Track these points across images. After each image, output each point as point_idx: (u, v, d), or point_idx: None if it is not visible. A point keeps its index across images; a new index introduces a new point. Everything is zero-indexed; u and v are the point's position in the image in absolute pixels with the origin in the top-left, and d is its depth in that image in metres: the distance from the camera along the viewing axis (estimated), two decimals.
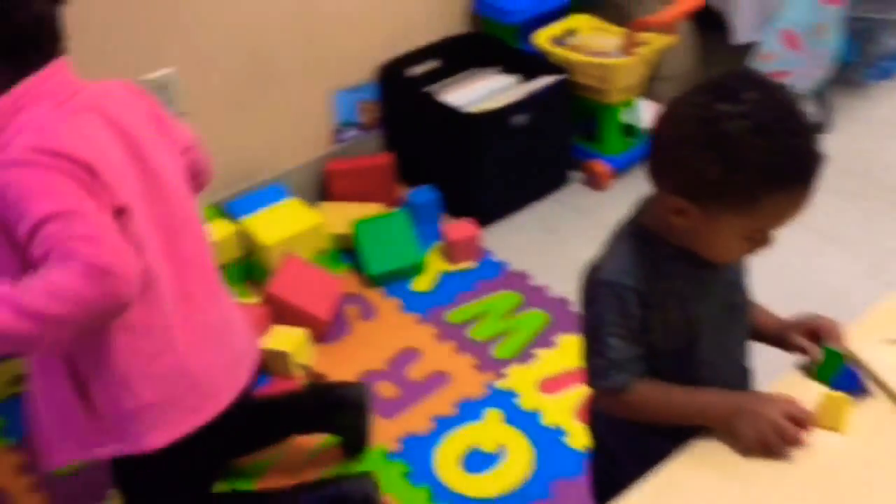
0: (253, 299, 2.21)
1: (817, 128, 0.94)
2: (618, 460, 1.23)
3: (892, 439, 1.03)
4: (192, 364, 1.40)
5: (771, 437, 1.01)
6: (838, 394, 1.05)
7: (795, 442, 1.01)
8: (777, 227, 1.01)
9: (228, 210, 2.40)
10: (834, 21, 2.39)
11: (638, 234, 1.08)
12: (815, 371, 1.10)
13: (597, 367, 1.09)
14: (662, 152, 1.03)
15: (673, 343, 1.09)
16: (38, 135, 1.22)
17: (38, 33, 1.27)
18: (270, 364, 2.08)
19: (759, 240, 1.02)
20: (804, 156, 0.97)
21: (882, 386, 1.07)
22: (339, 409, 1.80)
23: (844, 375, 1.08)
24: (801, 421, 1.02)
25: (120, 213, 1.27)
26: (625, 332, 1.06)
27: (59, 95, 1.28)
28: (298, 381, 2.06)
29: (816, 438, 1.02)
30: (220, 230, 2.31)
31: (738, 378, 1.19)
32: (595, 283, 1.09)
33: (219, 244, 2.26)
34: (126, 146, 1.34)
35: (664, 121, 1.02)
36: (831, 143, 2.39)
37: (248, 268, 2.38)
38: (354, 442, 1.84)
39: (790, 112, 0.98)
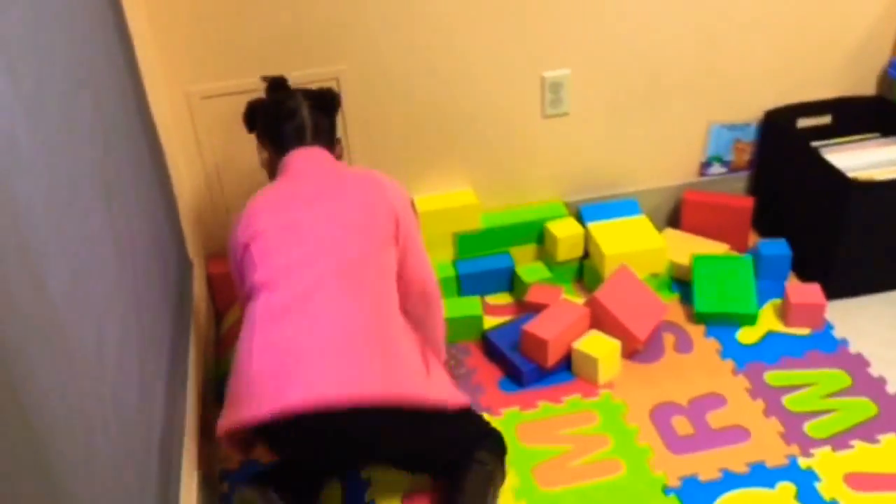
0: (579, 300, 2.31)
1: None
2: None
3: None
4: (250, 365, 1.56)
5: None
6: None
7: None
8: None
9: (581, 212, 2.51)
10: None
11: None
12: None
13: None
14: None
15: None
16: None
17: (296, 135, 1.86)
18: (578, 365, 2.16)
19: None
20: None
21: None
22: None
23: None
24: None
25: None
26: None
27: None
28: (598, 390, 2.12)
29: None
30: (567, 229, 2.45)
31: None
32: None
33: (563, 241, 2.40)
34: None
35: None
36: None
37: (585, 270, 2.48)
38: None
39: None
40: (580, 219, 2.50)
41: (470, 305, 2.32)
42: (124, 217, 1.33)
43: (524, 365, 2.15)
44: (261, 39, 2.15)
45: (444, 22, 2.23)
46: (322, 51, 2.20)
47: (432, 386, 1.66)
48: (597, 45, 2.35)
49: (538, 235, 2.51)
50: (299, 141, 1.84)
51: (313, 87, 2.01)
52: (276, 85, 1.98)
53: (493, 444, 1.83)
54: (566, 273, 2.49)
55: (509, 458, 1.91)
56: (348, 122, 2.30)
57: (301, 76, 2.20)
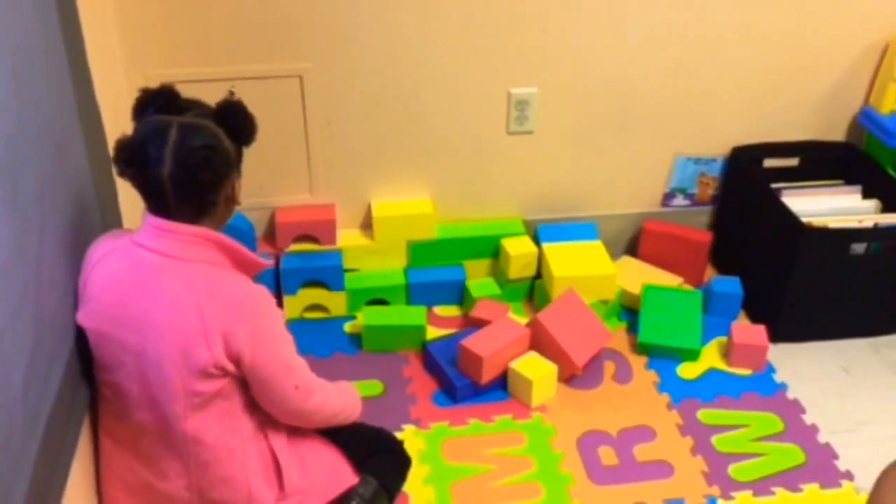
0: (525, 319, 2.30)
1: None
2: None
3: None
4: None
5: None
6: None
7: None
8: None
9: (538, 231, 2.50)
10: None
11: None
12: None
13: None
14: None
15: None
16: None
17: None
18: (514, 385, 2.16)
19: None
20: None
21: None
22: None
23: None
24: None
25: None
26: None
27: None
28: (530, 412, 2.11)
29: None
30: (522, 247, 2.44)
31: None
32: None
33: (516, 259, 2.40)
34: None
35: None
36: None
37: (536, 290, 2.48)
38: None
39: None
40: (536, 238, 2.49)
41: (415, 315, 2.31)
42: (34, 194, 1.32)
43: (458, 380, 2.14)
44: (227, 29, 2.15)
45: (414, 30, 2.22)
46: (288, 47, 2.19)
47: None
48: (566, 67, 2.34)
49: (493, 251, 2.50)
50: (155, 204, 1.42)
51: (269, 82, 1.98)
52: (170, 98, 1.45)
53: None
54: (517, 291, 2.48)
55: (432, 474, 1.91)
56: (309, 123, 2.29)
57: (264, 70, 2.20)
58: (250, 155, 2.23)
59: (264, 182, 2.34)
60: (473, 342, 2.12)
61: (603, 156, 2.51)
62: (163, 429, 1.45)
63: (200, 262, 1.41)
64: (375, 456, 1.69)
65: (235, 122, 1.45)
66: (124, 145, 1.38)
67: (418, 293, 2.43)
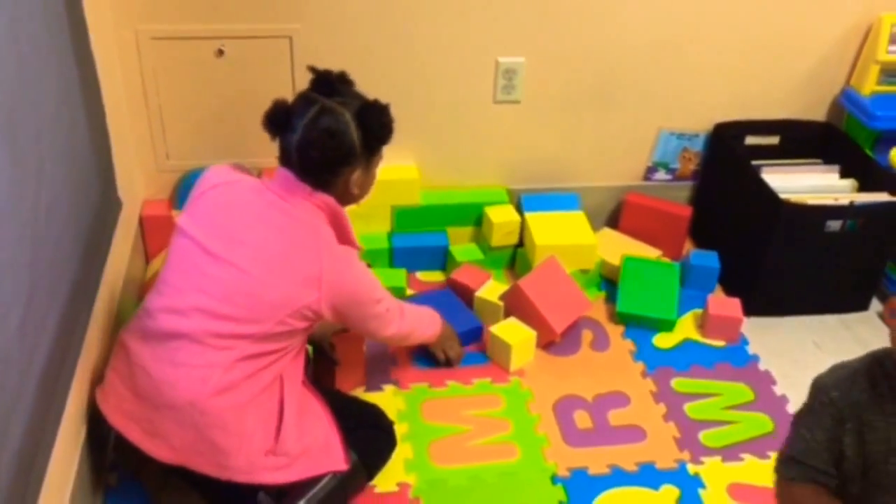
0: (504, 286, 2.33)
1: None
2: None
3: None
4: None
5: None
6: None
7: None
8: None
9: (521, 200, 2.53)
10: None
11: (883, 361, 1.03)
12: None
13: (781, 453, 1.16)
14: None
15: (861, 485, 1.06)
16: None
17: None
18: (493, 349, 2.19)
19: None
20: None
21: None
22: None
23: None
24: None
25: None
26: (812, 437, 1.10)
27: None
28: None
29: None
30: (505, 215, 2.47)
31: None
32: (814, 381, 1.13)
33: (499, 227, 2.43)
34: None
35: None
36: None
37: (518, 258, 2.51)
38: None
39: None
40: (520, 207, 2.52)
41: (394, 277, 2.34)
42: (32, 137, 1.33)
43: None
44: None
45: None
46: (279, 6, 2.19)
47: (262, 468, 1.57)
48: (553, 38, 2.36)
49: (476, 218, 2.53)
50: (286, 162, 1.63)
51: (258, 42, 2.00)
52: (326, 82, 1.65)
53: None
54: (499, 259, 2.52)
55: (410, 432, 1.95)
56: (297, 85, 2.29)
57: (253, 30, 2.20)
58: (238, 115, 2.26)
59: (252, 143, 2.34)
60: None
61: (588, 128, 2.53)
62: (202, 339, 1.52)
63: (313, 222, 1.60)
64: (363, 430, 1.74)
65: (370, 120, 1.62)
66: (276, 107, 1.61)
67: (401, 258, 2.46)
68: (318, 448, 1.63)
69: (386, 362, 2.17)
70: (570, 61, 2.40)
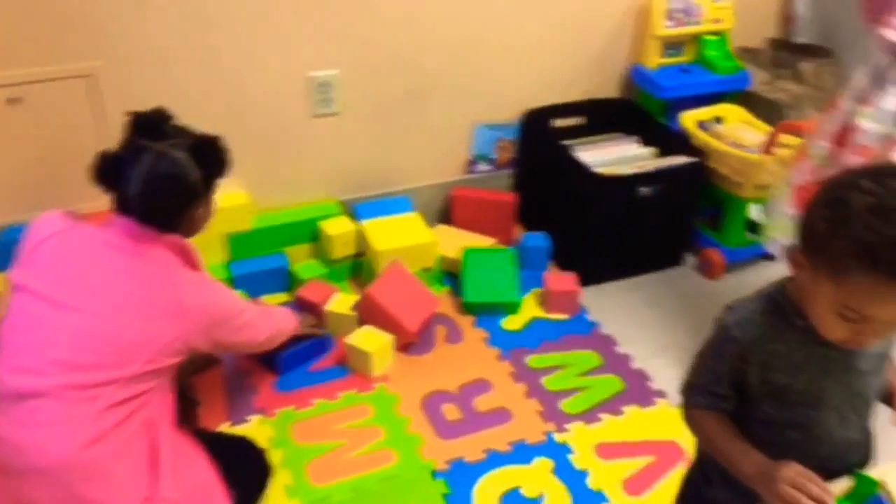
0: (354, 297, 2.35)
1: None
2: (712, 480, 1.29)
3: None
4: None
5: (777, 501, 1.06)
6: None
7: None
8: (864, 312, 1.01)
9: (354, 210, 2.56)
10: None
11: (776, 296, 1.14)
12: (846, 496, 1.10)
13: (685, 383, 1.24)
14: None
15: (771, 405, 1.17)
16: None
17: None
18: (353, 360, 2.21)
19: (852, 321, 1.03)
20: None
21: None
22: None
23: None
24: (814, 493, 1.04)
25: None
26: (715, 367, 1.18)
27: None
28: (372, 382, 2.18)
29: None
30: (341, 227, 2.48)
31: (841, 457, 1.21)
32: (716, 320, 1.19)
33: (337, 239, 2.43)
34: None
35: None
36: None
37: (359, 267, 2.53)
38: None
39: None
40: (354, 217, 2.54)
41: None
42: None
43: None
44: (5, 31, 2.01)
45: (209, 17, 2.19)
46: (75, 43, 2.09)
47: None
48: (364, 47, 2.40)
49: (313, 234, 2.52)
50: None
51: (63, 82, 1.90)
52: (148, 124, 1.60)
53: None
54: (342, 271, 2.53)
55: (285, 457, 1.93)
56: (109, 124, 2.19)
57: (47, 72, 2.08)
58: (48, 163, 2.13)
59: (66, 189, 2.22)
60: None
61: (408, 131, 2.60)
62: (63, 394, 1.44)
63: (163, 259, 1.57)
64: (235, 464, 1.70)
65: (207, 157, 1.60)
66: (104, 160, 1.56)
67: (243, 284, 2.41)
68: (199, 490, 1.59)
69: (247, 393, 2.13)
70: (382, 69, 2.45)
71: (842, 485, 1.09)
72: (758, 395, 1.16)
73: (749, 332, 1.13)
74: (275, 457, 1.92)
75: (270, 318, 1.90)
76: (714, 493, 1.27)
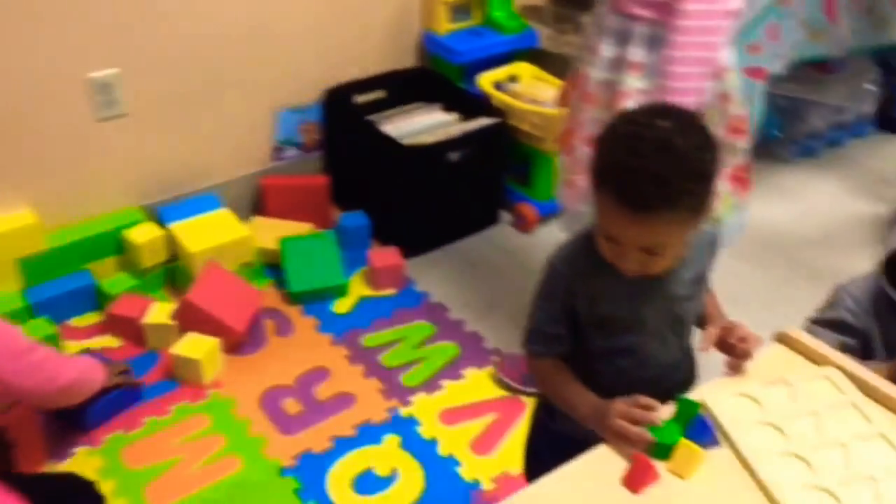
0: (172, 304, 2.23)
1: (685, 171, 1.06)
2: (556, 414, 1.33)
3: (728, 487, 1.10)
4: None
5: (611, 436, 1.13)
6: (689, 444, 1.12)
7: (628, 436, 1.11)
8: (610, 233, 1.12)
9: (159, 215, 2.42)
10: (758, 94, 2.52)
11: (590, 237, 1.20)
12: (671, 419, 1.16)
13: (524, 330, 1.27)
14: None
15: (600, 335, 1.24)
16: None
17: None
18: (181, 371, 2.10)
19: (611, 242, 1.13)
20: (631, 174, 1.06)
21: (726, 437, 1.14)
22: None
23: (698, 426, 1.15)
24: (639, 417, 1.11)
25: None
26: (548, 306, 1.23)
27: None
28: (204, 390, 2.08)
29: (664, 480, 1.09)
30: (147, 233, 2.34)
31: (667, 377, 1.29)
32: (546, 259, 1.24)
33: (144, 247, 2.30)
34: None
35: None
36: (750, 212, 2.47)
37: (173, 273, 2.40)
38: None
39: (659, 141, 1.06)
40: (161, 221, 2.41)
41: (39, 328, 2.12)
42: None
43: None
44: None
45: None
46: None
47: None
48: (146, 44, 2.26)
49: (117, 246, 2.36)
50: None
51: None
52: None
53: None
54: (155, 280, 2.39)
55: (119, 486, 1.80)
56: None
57: None
58: None
59: None
60: None
61: (206, 125, 2.48)
62: None
63: None
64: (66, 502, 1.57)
65: None
66: None
67: (46, 311, 2.22)
68: None
69: (66, 425, 1.97)
70: (168, 64, 2.32)
71: (667, 410, 1.15)
72: (588, 327, 1.23)
73: (574, 268, 1.21)
74: (107, 487, 1.80)
75: (72, 363, 1.74)
76: (558, 426, 1.33)
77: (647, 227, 1.08)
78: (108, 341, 2.21)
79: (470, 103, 2.67)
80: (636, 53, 1.68)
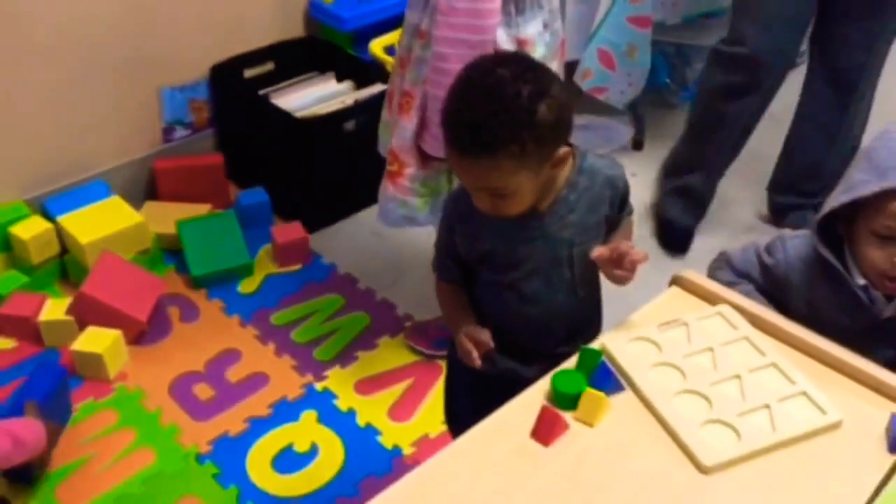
0: (67, 299, 2.14)
1: (504, 120, 1.10)
2: (457, 397, 1.40)
3: (634, 430, 1.13)
4: None
5: (460, 352, 1.26)
6: (594, 391, 1.14)
7: (468, 355, 1.24)
8: (461, 178, 1.20)
9: (46, 207, 2.32)
10: (643, 43, 2.56)
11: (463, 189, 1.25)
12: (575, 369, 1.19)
13: (433, 258, 1.36)
14: None
15: (486, 268, 1.30)
16: None
17: None
18: (83, 367, 2.03)
19: (468, 187, 1.20)
20: (455, 120, 1.14)
21: (629, 381, 1.17)
22: None
23: (601, 373, 1.18)
24: (479, 342, 1.24)
25: None
26: (443, 237, 1.33)
27: None
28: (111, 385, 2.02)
29: (573, 430, 1.11)
30: (35, 228, 2.24)
31: (560, 319, 1.33)
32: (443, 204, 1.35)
33: (32, 242, 2.20)
34: None
35: None
36: (643, 157, 2.54)
37: (66, 267, 2.31)
38: None
39: (487, 88, 1.12)
40: (48, 214, 2.30)
41: None
42: None
43: None
44: None
45: None
46: None
47: None
48: (11, 29, 2.14)
49: (3, 243, 2.25)
50: None
51: None
52: None
53: None
54: (47, 275, 2.29)
55: (26, 494, 1.74)
56: None
57: None
58: None
59: None
60: None
61: (87, 110, 2.38)
62: None
63: None
64: None
65: None
66: None
67: None
68: None
69: None
70: (41, 50, 2.21)
71: (571, 361, 1.17)
72: (473, 261, 1.30)
73: (457, 206, 1.28)
74: (14, 496, 1.73)
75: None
76: (457, 408, 1.35)
77: (476, 171, 1.15)
78: (2, 343, 2.11)
79: (363, 70, 2.64)
80: (424, 21, 1.67)
